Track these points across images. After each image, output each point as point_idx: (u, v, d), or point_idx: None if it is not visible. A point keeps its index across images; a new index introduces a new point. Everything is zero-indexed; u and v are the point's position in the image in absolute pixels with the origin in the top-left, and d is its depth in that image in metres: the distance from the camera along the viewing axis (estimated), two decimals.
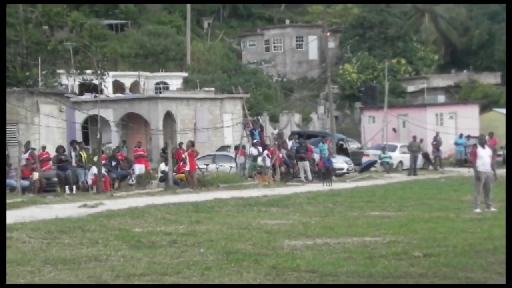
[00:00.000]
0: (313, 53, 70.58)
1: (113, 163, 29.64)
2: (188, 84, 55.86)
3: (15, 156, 26.70)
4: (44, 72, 37.53)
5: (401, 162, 41.27)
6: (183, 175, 28.79)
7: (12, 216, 16.93)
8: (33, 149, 28.17)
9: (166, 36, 62.97)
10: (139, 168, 31.34)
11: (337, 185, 29.40)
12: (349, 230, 14.67)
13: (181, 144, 31.99)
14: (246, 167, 33.12)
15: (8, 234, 13.17)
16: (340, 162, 37.28)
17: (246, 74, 62.84)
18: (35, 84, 35.74)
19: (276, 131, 40.03)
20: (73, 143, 28.91)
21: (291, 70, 69.88)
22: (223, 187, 27.89)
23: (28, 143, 28.62)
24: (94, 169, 27.12)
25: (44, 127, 31.52)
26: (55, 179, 27.22)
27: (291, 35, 70.36)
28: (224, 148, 40.47)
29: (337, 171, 35.70)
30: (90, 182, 27.42)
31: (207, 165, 33.00)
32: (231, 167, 33.39)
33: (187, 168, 28.43)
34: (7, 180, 25.24)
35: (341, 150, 42.13)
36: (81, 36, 43.16)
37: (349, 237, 13.52)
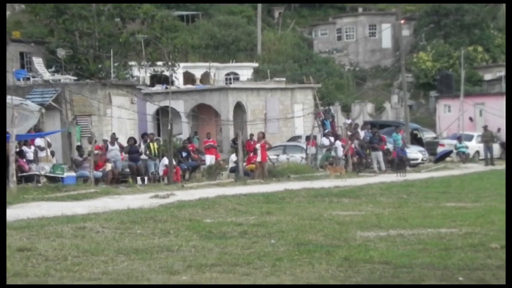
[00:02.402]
0: (386, 41, 69.54)
1: (184, 154, 29.77)
2: (258, 74, 55.77)
3: (88, 147, 27.05)
4: (116, 64, 37.97)
5: (477, 152, 40.43)
6: (253, 165, 28.73)
7: (85, 207, 17.20)
8: (105, 140, 28.50)
9: (236, 26, 62.98)
10: (209, 159, 31.44)
11: (411, 176, 28.95)
12: (423, 221, 14.37)
13: (252, 135, 31.94)
14: (317, 158, 32.90)
15: (81, 224, 13.43)
16: (414, 152, 36.77)
17: (317, 63, 62.39)
18: (108, 76, 36.20)
19: (348, 121, 39.65)
20: (143, 135, 29.14)
21: (363, 59, 69.04)
22: (294, 178, 27.73)
23: (114, 134, 28.91)
24: (165, 160, 27.28)
25: (116, 119, 31.88)
26: (127, 169, 27.49)
27: (364, 23, 69.45)
28: (295, 138, 40.29)
29: (411, 161, 35.20)
30: (161, 173, 27.60)
31: (277, 155, 32.90)
32: (302, 157, 33.23)
33: (258, 159, 28.34)
34: (81, 171, 25.63)
35: (415, 140, 41.56)
36: (152, 27, 43.57)
37: (423, 228, 13.25)
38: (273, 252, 10.88)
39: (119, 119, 31.95)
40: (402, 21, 53.17)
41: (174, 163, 26.92)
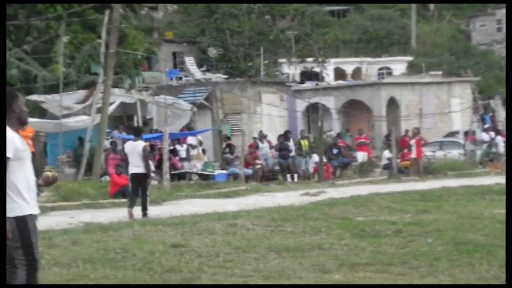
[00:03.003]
0: None
1: (335, 151, 29.47)
2: (413, 68, 54.72)
3: (239, 145, 27.29)
4: (266, 61, 38.24)
5: None
6: (408, 162, 28.06)
7: (236, 204, 17.33)
8: (255, 138, 28.63)
9: (389, 20, 62.14)
10: (361, 156, 31.01)
11: None
12: None
13: (406, 131, 31.26)
14: (476, 154, 31.79)
15: (233, 221, 13.43)
16: None
17: (476, 56, 60.52)
18: (257, 74, 36.48)
19: None
20: (286, 133, 29.00)
21: None
22: (452, 175, 26.87)
23: (261, 132, 29.09)
24: (315, 157, 27.12)
25: (266, 116, 32.01)
26: (277, 167, 27.51)
27: None
28: (452, 134, 39.17)
29: None
30: (311, 170, 27.44)
31: (433, 152, 32.09)
32: (460, 154, 32.22)
33: (413, 155, 27.63)
34: (231, 169, 25.87)
35: None
36: (302, 24, 43.58)
37: None
38: (430, 251, 10.47)
39: (269, 116, 32.06)
40: None
41: (325, 160, 26.69)
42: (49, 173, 6.63)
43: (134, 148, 15.56)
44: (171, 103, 27.14)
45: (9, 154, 6.07)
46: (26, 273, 6.18)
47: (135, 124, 26.59)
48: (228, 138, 28.56)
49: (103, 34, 24.00)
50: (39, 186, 6.70)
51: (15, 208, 6.13)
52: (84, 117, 25.01)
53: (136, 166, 15.54)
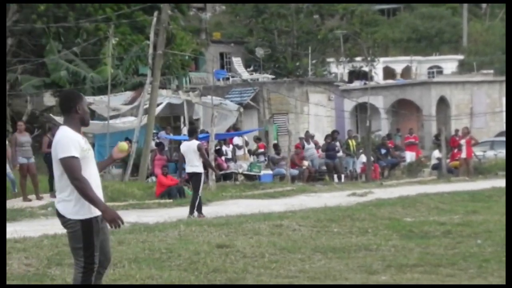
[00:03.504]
0: None
1: (383, 151, 29.20)
2: (463, 67, 54.03)
3: (285, 145, 27.20)
4: (314, 61, 38.08)
5: None
6: (457, 162, 27.67)
7: (282, 204, 17.26)
8: (302, 138, 28.51)
9: (440, 18, 61.41)
10: (410, 156, 30.67)
11: None
12: None
13: (457, 130, 30.82)
14: None
15: (278, 222, 13.39)
16: None
17: None
18: (305, 74, 36.36)
19: None
20: (333, 133, 28.79)
21: None
22: (502, 175, 26.36)
23: (308, 133, 28.98)
24: (363, 158, 26.91)
25: (313, 116, 31.85)
26: (323, 167, 27.35)
27: None
28: (503, 133, 38.44)
29: None
30: (359, 170, 27.24)
31: (484, 151, 31.57)
32: None
33: (463, 155, 27.23)
34: (277, 169, 25.79)
35: None
36: (351, 23, 43.33)
37: None
38: (479, 252, 10.32)
39: (316, 116, 31.89)
40: None
41: (372, 160, 26.47)
42: (125, 144, 6.69)
43: (189, 147, 15.71)
44: (218, 103, 27.16)
45: (75, 153, 6.09)
46: (82, 275, 6.22)
47: (185, 125, 26.73)
48: (259, 139, 28.36)
49: (151, 36, 24.14)
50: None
51: (79, 210, 6.17)
52: (131, 118, 25.17)
53: (191, 166, 15.74)
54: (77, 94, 6.48)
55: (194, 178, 15.85)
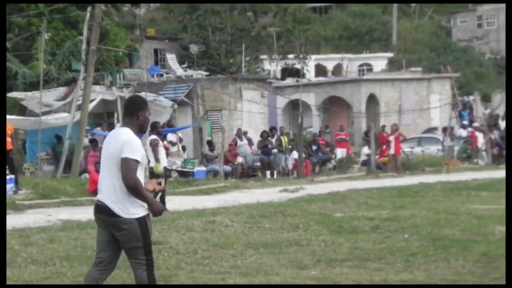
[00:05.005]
0: None
1: (314, 148, 29.52)
2: (393, 64, 54.89)
3: (219, 142, 27.29)
4: (247, 58, 38.22)
5: None
6: (386, 158, 28.13)
7: (215, 201, 17.33)
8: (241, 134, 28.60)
9: (371, 16, 62.21)
10: (340, 152, 31.06)
11: None
12: None
13: (383, 126, 31.31)
14: (454, 150, 31.93)
15: (211, 218, 13.51)
16: None
17: (456, 52, 60.72)
18: (239, 71, 36.47)
19: (486, 111, 38.28)
20: (272, 129, 29.03)
21: (505, 47, 66.44)
22: (429, 171, 26.96)
23: (240, 130, 29.10)
24: (294, 154, 27.14)
25: (246, 113, 31.99)
26: (257, 164, 27.51)
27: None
28: (430, 130, 39.29)
29: None
30: (290, 166, 27.47)
31: (412, 148, 32.15)
32: (438, 150, 32.33)
33: (391, 151, 27.72)
34: (211, 166, 25.87)
35: None
36: (284, 20, 43.58)
37: None
38: (406, 247, 10.59)
39: (249, 113, 32.06)
40: None
41: (304, 156, 26.71)
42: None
43: (147, 143, 15.83)
44: (152, 100, 27.06)
45: (139, 159, 6.21)
46: (147, 272, 6.36)
47: (119, 121, 26.48)
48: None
49: (85, 31, 23.91)
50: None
51: (134, 209, 6.29)
52: (64, 114, 24.91)
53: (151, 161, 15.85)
54: (143, 101, 6.60)
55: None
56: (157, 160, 16.00)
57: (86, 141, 24.09)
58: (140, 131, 6.44)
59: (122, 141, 6.26)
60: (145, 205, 6.30)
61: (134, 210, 6.29)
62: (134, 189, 6.17)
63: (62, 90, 26.95)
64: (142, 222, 6.32)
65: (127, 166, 6.17)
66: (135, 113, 6.39)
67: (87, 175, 22.27)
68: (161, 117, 28.07)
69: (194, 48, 37.05)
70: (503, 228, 12.11)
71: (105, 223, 6.38)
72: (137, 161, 6.20)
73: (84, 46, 24.01)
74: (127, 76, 37.21)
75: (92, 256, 9.88)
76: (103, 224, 6.42)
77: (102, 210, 6.35)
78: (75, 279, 8.58)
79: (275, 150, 27.68)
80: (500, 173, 24.90)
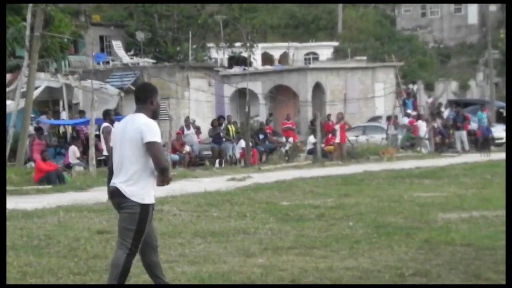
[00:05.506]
0: (472, 17, 67.66)
1: (261, 137, 29.64)
2: (339, 53, 55.25)
3: (166, 130, 27.20)
4: (194, 46, 38.11)
5: None
6: (332, 147, 28.40)
7: (163, 190, 17.05)
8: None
9: (317, 4, 62.42)
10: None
11: (496, 156, 28.13)
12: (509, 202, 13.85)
13: (329, 115, 31.57)
14: (398, 138, 32.39)
15: (159, 207, 13.39)
16: (499, 131, 35.77)
17: (400, 41, 61.43)
18: (186, 59, 36.35)
19: (429, 100, 38.92)
20: (220, 118, 29.07)
21: (448, 36, 67.41)
22: (374, 159, 27.31)
23: (188, 118, 29.02)
24: (242, 143, 27.21)
25: (194, 101, 31.94)
26: (204, 152, 27.52)
27: None
28: (375, 118, 39.74)
29: (496, 141, 34.27)
30: (238, 155, 27.55)
31: (357, 136, 32.50)
32: (383, 138, 32.75)
33: (337, 140, 28.00)
34: None
35: (501, 119, 40.46)
36: (231, 8, 43.50)
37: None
38: (351, 234, 10.74)
39: (197, 101, 32.01)
40: None
41: (251, 145, 26.82)
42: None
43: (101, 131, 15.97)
44: (98, 87, 26.87)
45: (158, 139, 6.44)
46: (127, 256, 6.52)
47: (64, 109, 26.26)
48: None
49: (28, 17, 23.57)
50: None
51: (143, 195, 6.45)
52: (8, 102, 24.56)
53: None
54: (154, 88, 6.80)
55: (106, 160, 16.37)
56: (108, 148, 15.97)
57: (31, 129, 23.82)
58: (153, 117, 6.62)
59: (140, 125, 6.46)
60: (153, 193, 6.56)
61: (143, 196, 6.47)
62: (167, 170, 6.48)
63: (6, 77, 26.55)
64: (144, 209, 6.48)
65: (158, 149, 6.42)
66: (148, 99, 6.63)
67: (32, 163, 22.05)
68: (108, 105, 27.86)
69: (140, 36, 36.83)
70: (446, 215, 12.45)
71: (119, 205, 6.54)
72: (160, 143, 6.46)
73: (28, 32, 23.67)
74: (73, 63, 36.74)
75: (38, 246, 9.90)
76: (119, 208, 6.58)
77: (115, 194, 6.54)
78: (22, 268, 8.53)
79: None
80: (443, 161, 25.48)
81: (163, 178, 6.49)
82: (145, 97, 6.64)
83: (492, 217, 12.04)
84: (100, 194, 16.44)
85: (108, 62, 35.22)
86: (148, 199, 6.51)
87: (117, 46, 37.10)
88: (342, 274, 8.11)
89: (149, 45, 38.61)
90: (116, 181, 6.53)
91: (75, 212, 12.83)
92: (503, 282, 7.54)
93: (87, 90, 26.56)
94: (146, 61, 34.73)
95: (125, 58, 35.45)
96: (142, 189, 6.46)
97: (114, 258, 6.58)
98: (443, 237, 10.21)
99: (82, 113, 26.44)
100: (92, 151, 21.07)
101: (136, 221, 6.46)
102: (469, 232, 10.72)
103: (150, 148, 6.39)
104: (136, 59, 35.27)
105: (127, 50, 38.91)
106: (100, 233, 10.84)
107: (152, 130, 6.43)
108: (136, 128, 6.45)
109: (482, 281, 7.76)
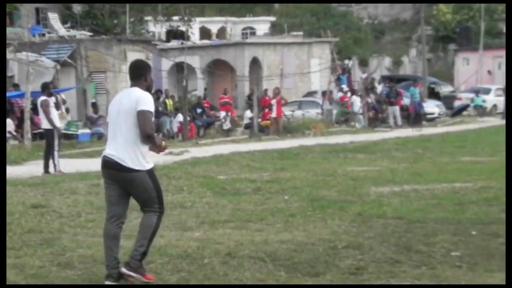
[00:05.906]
0: None
1: (199, 111, 29.68)
2: (275, 28, 55.34)
3: (103, 104, 27.05)
4: (131, 19, 37.72)
5: (495, 106, 40.11)
6: (268, 122, 28.63)
7: (99, 164, 17.12)
8: None
9: None
10: (224, 115, 31.29)
11: (427, 130, 28.81)
12: (438, 176, 14.31)
13: (266, 90, 31.78)
14: (333, 113, 32.78)
15: (96, 181, 13.41)
16: (431, 107, 36.59)
17: (335, 17, 61.73)
18: (123, 32, 35.99)
19: (364, 75, 39.43)
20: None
21: (382, 12, 68.01)
22: (308, 133, 27.62)
23: None
24: (179, 117, 27.20)
25: None
26: None
27: None
28: (311, 94, 40.09)
29: (428, 116, 35.01)
30: (175, 129, 27.54)
31: (293, 111, 32.78)
32: (318, 113, 33.10)
33: (273, 114, 28.23)
34: (95, 128, 25.63)
35: (433, 94, 41.28)
36: None
37: (438, 183, 13.19)
38: (286, 208, 10.88)
39: None
40: None
41: (189, 119, 26.85)
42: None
43: (38, 104, 15.95)
44: (34, 60, 26.50)
45: (151, 109, 6.74)
46: (158, 217, 6.91)
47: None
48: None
49: None
50: None
51: (144, 162, 6.73)
52: None
53: (43, 122, 16.09)
54: (147, 65, 7.15)
55: (44, 134, 16.12)
56: (49, 121, 15.86)
57: None
58: (147, 92, 6.88)
59: (136, 97, 6.74)
60: (150, 159, 6.80)
61: (145, 163, 6.72)
62: (152, 137, 6.71)
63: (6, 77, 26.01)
64: (151, 173, 6.77)
65: (146, 117, 6.68)
66: (142, 76, 6.92)
67: None
68: (44, 78, 27.51)
69: (77, 8, 36.25)
70: (378, 189, 12.75)
71: (115, 177, 6.77)
72: (151, 112, 6.72)
73: None
74: (8, 36, 36.03)
75: None
76: (112, 178, 6.80)
77: (112, 165, 6.75)
78: None
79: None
80: (376, 136, 25.96)
81: (149, 144, 6.76)
82: (140, 74, 6.94)
83: (423, 191, 12.30)
84: (35, 168, 16.35)
85: (44, 35, 34.60)
86: (149, 165, 6.79)
87: (53, 18, 36.43)
88: (277, 247, 8.22)
89: (86, 18, 38.01)
90: (112, 154, 6.76)
91: (9, 186, 12.67)
92: (434, 254, 7.82)
93: (23, 62, 26.15)
94: (83, 34, 34.24)
95: (62, 30, 34.86)
96: (143, 158, 6.74)
97: (144, 221, 6.92)
98: (375, 211, 10.39)
99: (16, 86, 26.04)
100: (27, 124, 20.84)
101: (153, 187, 6.79)
102: (401, 205, 10.91)
103: (140, 115, 6.68)
104: (72, 32, 34.71)
105: (63, 22, 38.23)
106: (35, 207, 10.78)
107: (145, 100, 6.72)
108: (133, 99, 6.74)
109: (412, 253, 7.91)
